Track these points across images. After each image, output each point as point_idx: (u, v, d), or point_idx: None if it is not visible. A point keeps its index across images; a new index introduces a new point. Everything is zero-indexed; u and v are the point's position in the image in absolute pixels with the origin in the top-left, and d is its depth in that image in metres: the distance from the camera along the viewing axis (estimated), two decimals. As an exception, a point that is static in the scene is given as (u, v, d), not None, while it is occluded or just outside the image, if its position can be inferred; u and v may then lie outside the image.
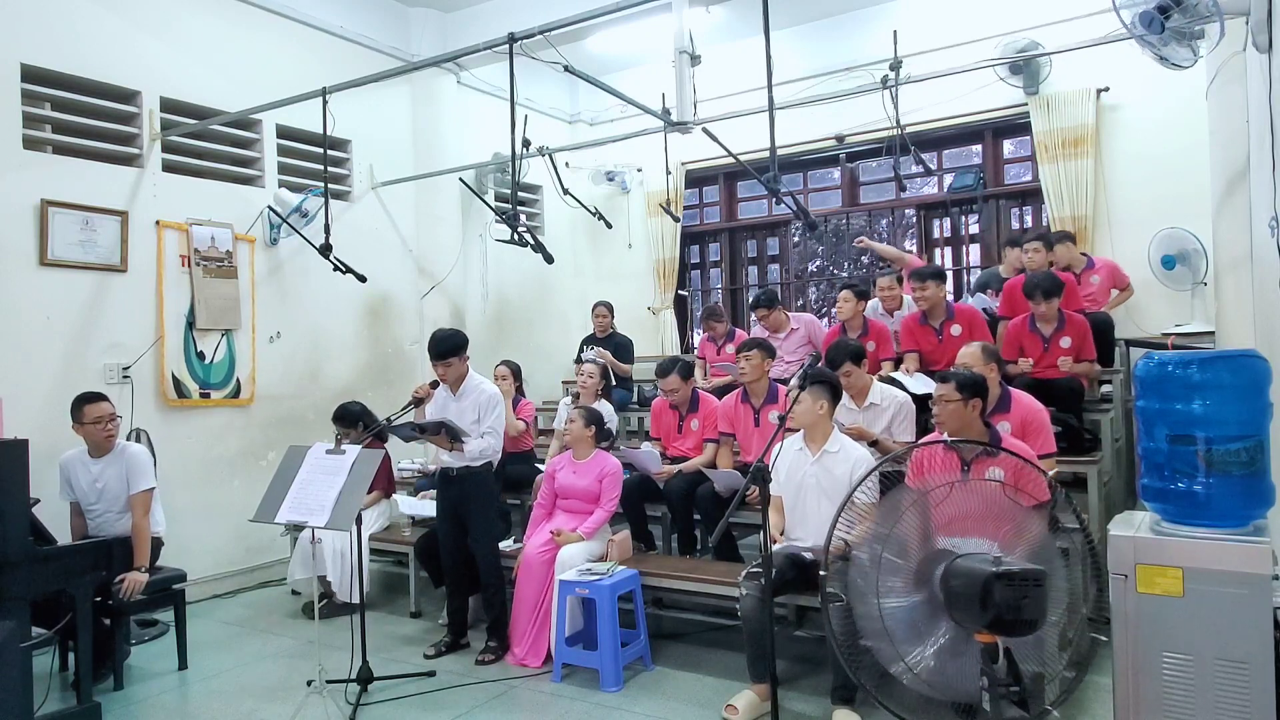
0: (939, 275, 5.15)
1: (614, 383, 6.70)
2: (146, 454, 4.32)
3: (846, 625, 3.08)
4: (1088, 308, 5.43)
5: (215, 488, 5.54)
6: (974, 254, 7.46)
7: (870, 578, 2.59)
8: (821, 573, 3.03)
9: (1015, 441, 3.51)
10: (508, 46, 4.24)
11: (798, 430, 3.76)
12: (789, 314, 6.07)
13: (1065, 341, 4.76)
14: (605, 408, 5.37)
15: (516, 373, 5.72)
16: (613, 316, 7.05)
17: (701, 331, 7.03)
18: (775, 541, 3.60)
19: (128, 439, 4.78)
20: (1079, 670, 2.43)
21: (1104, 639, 2.27)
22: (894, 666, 2.53)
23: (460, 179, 6.46)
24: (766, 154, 3.56)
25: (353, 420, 5.20)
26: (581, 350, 6.93)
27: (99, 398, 4.18)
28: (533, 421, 5.81)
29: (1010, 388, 4.03)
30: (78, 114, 5.06)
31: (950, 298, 5.34)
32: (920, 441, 3.62)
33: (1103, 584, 2.50)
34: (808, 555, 3.59)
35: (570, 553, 4.13)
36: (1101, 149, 6.39)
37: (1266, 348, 3.23)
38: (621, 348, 6.88)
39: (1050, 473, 3.17)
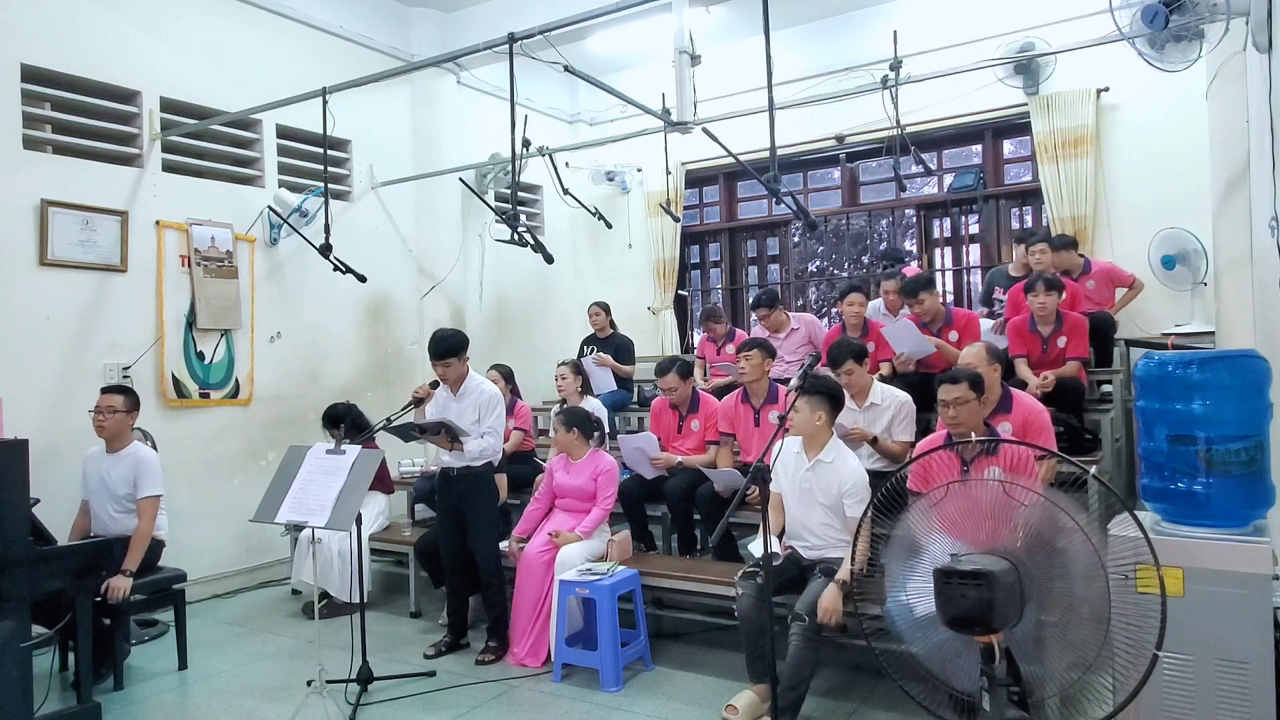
0: (929, 284, 5.13)
1: (614, 385, 6.70)
2: (157, 460, 4.31)
3: (761, 609, 3.13)
4: (1088, 309, 5.43)
5: (215, 488, 5.54)
6: (974, 254, 7.46)
7: (885, 576, 2.60)
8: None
9: (1010, 439, 3.51)
10: (508, 46, 4.24)
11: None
12: (789, 314, 6.07)
13: (1062, 341, 4.77)
14: (591, 403, 5.38)
15: (508, 376, 5.72)
16: (609, 316, 7.00)
17: (701, 332, 7.02)
18: (782, 549, 3.61)
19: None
20: (1138, 684, 2.34)
21: (1159, 653, 2.20)
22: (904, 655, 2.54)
23: (460, 179, 6.46)
24: (766, 154, 3.56)
25: (335, 421, 5.19)
26: (582, 351, 6.93)
27: (114, 390, 4.30)
28: (531, 423, 5.79)
29: (1011, 388, 4.03)
30: (78, 114, 5.06)
31: (951, 299, 5.33)
32: (919, 449, 3.61)
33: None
34: (807, 556, 3.60)
35: (570, 552, 4.13)
36: (1101, 149, 6.39)
37: (1266, 348, 3.24)
38: (622, 349, 6.87)
39: (1092, 469, 3.15)
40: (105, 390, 4.31)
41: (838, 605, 3.26)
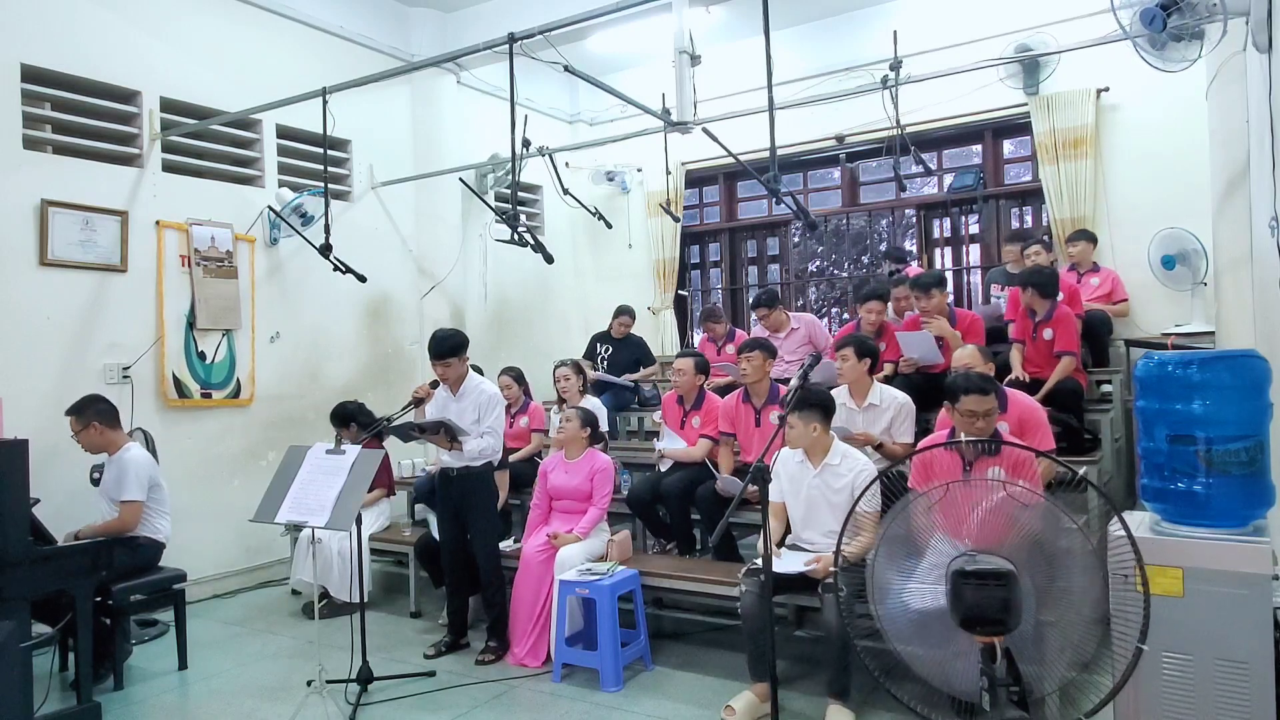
0: (941, 282, 5.13)
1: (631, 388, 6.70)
2: (140, 465, 4.25)
3: (844, 620, 3.11)
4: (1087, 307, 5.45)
5: (215, 488, 5.54)
6: (974, 254, 7.46)
7: (879, 577, 2.59)
8: (828, 566, 3.04)
9: (1014, 441, 3.51)
10: (508, 46, 4.24)
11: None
12: (789, 314, 6.07)
13: (1048, 333, 4.77)
14: (590, 402, 5.38)
15: (519, 378, 5.73)
16: (634, 322, 6.99)
17: (701, 332, 7.02)
18: (776, 553, 3.61)
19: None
20: (1122, 678, 2.39)
21: (1145, 647, 2.23)
22: (902, 655, 2.53)
23: (460, 179, 6.46)
24: (766, 154, 3.55)
25: (345, 420, 5.25)
26: (594, 348, 6.91)
27: (70, 412, 4.23)
28: (545, 423, 5.77)
29: (1007, 388, 4.03)
30: (78, 114, 5.06)
31: (950, 299, 5.33)
32: (921, 446, 3.62)
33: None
34: (810, 553, 3.59)
35: (569, 553, 4.13)
36: (1101, 149, 6.39)
37: (1266, 348, 3.24)
38: (643, 350, 6.88)
39: (1081, 469, 3.16)
40: (66, 413, 4.26)
41: (828, 565, 3.34)
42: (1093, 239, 6.03)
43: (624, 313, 6.94)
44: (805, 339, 5.89)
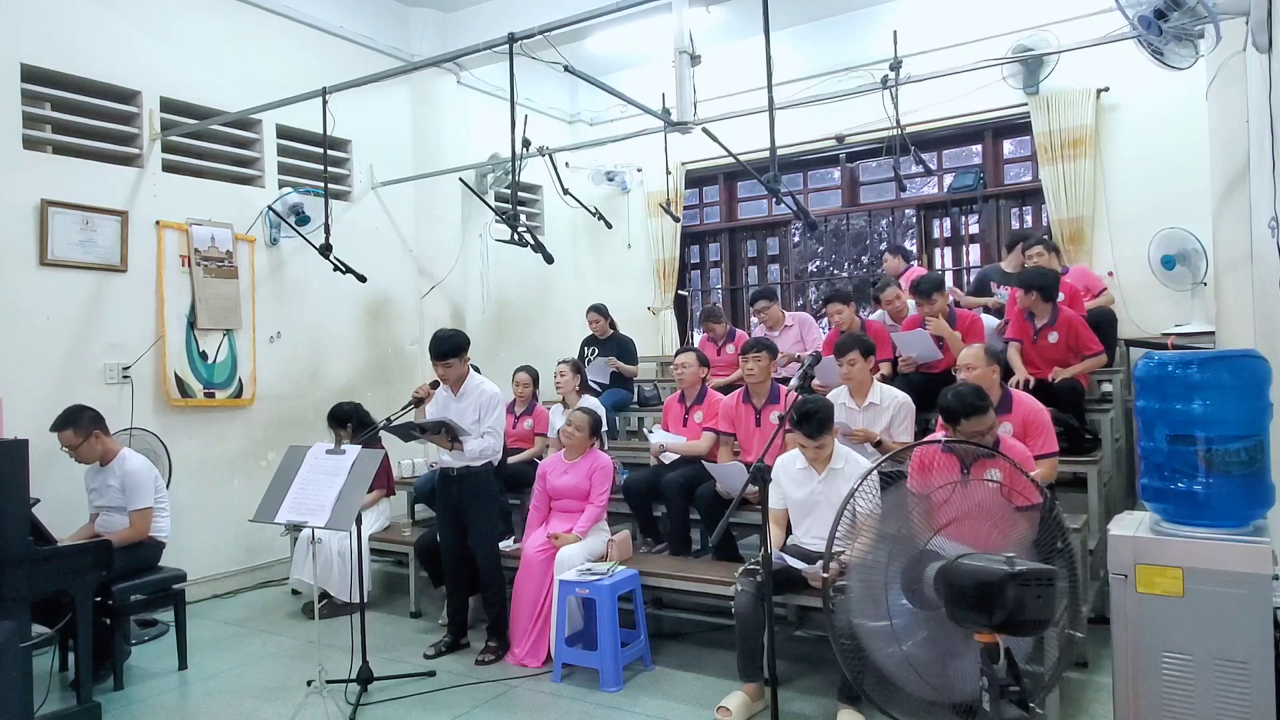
0: (940, 285, 5.15)
1: (608, 384, 6.69)
2: (144, 472, 4.24)
3: (848, 624, 3.14)
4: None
5: (215, 488, 5.54)
6: (974, 254, 7.46)
7: (869, 579, 2.59)
8: (824, 574, 3.04)
9: (1014, 443, 3.52)
10: (508, 46, 4.25)
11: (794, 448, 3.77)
12: (785, 312, 6.09)
13: (1053, 337, 4.77)
14: (589, 401, 5.39)
15: (537, 379, 5.75)
16: (606, 320, 6.90)
17: (701, 332, 7.02)
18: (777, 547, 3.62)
19: (125, 433, 4.81)
20: (1055, 668, 2.45)
21: (1080, 635, 2.28)
22: (890, 667, 2.52)
23: (460, 179, 6.46)
24: (766, 154, 3.56)
25: (342, 420, 5.25)
26: (583, 352, 6.92)
27: (60, 426, 4.14)
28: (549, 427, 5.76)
29: (1011, 389, 4.03)
30: (78, 114, 5.06)
31: (950, 300, 5.34)
32: (919, 442, 3.63)
33: (1102, 584, 2.51)
34: (815, 553, 3.59)
35: (569, 552, 4.13)
36: (1101, 149, 6.39)
37: (1266, 348, 3.24)
38: (625, 349, 6.85)
39: (1035, 473, 3.16)
40: (53, 429, 4.14)
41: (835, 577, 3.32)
42: (1052, 248, 5.71)
43: (592, 310, 6.88)
44: (797, 338, 5.91)
